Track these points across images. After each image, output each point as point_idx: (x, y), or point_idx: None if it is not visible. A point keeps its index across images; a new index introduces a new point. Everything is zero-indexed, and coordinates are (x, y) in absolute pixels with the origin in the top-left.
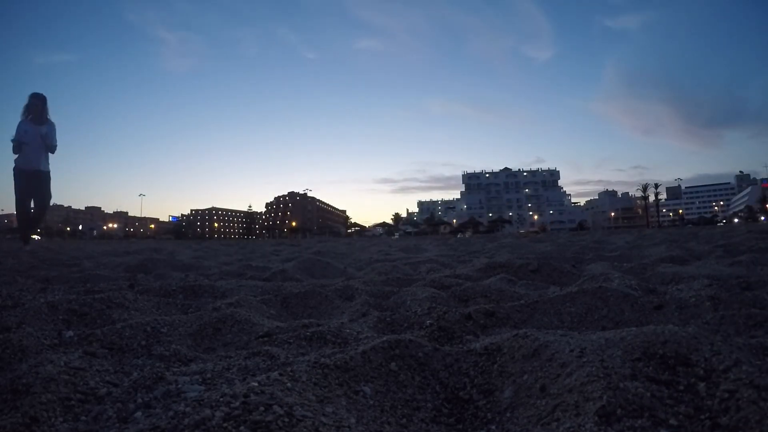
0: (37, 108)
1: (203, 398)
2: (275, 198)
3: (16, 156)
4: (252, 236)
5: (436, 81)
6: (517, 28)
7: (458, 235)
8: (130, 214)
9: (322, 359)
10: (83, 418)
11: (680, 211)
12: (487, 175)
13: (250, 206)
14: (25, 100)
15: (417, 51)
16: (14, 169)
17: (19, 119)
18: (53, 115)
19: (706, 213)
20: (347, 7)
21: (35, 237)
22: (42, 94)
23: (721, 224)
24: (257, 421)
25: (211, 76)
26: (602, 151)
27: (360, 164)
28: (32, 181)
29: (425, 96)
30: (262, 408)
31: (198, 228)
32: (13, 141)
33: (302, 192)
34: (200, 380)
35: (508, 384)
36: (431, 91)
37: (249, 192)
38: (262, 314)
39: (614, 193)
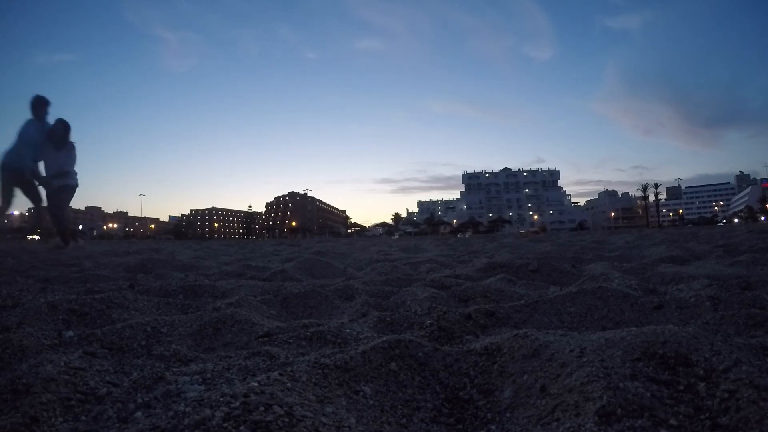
0: (58, 134)
1: (203, 398)
2: (275, 198)
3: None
4: (252, 236)
5: (437, 81)
6: (517, 28)
7: (458, 235)
8: (130, 214)
9: (322, 359)
10: (83, 418)
11: (680, 211)
12: (487, 175)
13: (250, 206)
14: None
15: (417, 51)
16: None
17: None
18: (57, 115)
19: (706, 213)
20: (348, 7)
21: (35, 237)
22: (67, 122)
23: (721, 224)
24: (257, 421)
25: (211, 75)
26: (602, 151)
27: (360, 164)
28: (55, 193)
29: (425, 96)
30: (262, 408)
31: (198, 228)
32: (30, 167)
33: (302, 192)
34: (200, 380)
35: (508, 384)
36: (431, 91)
37: (249, 192)
38: (262, 314)
39: (614, 193)
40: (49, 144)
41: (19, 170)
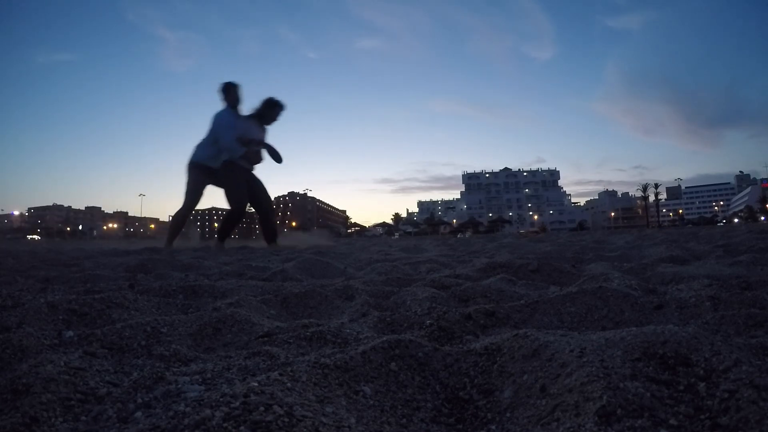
0: (273, 115)
1: (203, 398)
2: (275, 198)
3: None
4: (252, 236)
5: (437, 81)
6: (518, 28)
7: (458, 235)
8: (130, 214)
9: (322, 359)
10: (83, 418)
11: (680, 211)
12: (487, 175)
13: (250, 206)
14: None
15: (418, 51)
16: (230, 165)
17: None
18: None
19: (706, 213)
20: (349, 7)
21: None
22: (282, 104)
23: (721, 224)
24: (257, 421)
25: (212, 75)
26: (603, 151)
27: (360, 164)
28: (255, 180)
29: (426, 96)
30: (262, 408)
31: (198, 228)
32: (237, 139)
33: (302, 192)
34: (200, 380)
35: (508, 384)
36: (432, 91)
37: None
38: (262, 314)
39: (614, 193)
40: (254, 121)
41: (212, 168)
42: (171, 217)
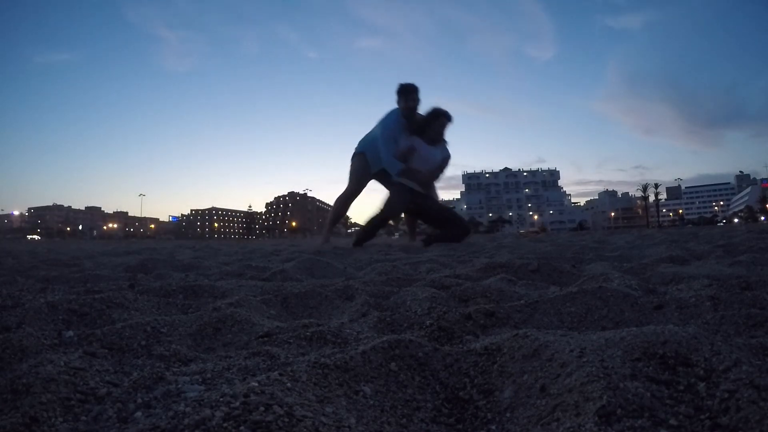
0: (438, 128)
1: (203, 398)
2: (275, 198)
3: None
4: (252, 236)
5: (437, 80)
6: (518, 28)
7: None
8: (130, 214)
9: (322, 359)
10: (83, 418)
11: (680, 211)
12: (487, 175)
13: (250, 206)
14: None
15: (418, 50)
16: (398, 183)
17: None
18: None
19: (706, 213)
20: (349, 6)
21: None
22: (449, 115)
23: (721, 224)
24: (257, 421)
25: (212, 75)
26: (603, 151)
27: None
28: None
29: (426, 95)
30: (262, 408)
31: (198, 228)
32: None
33: (302, 192)
34: (200, 380)
35: (508, 384)
36: (432, 91)
37: (249, 192)
38: (262, 314)
39: (614, 193)
40: (422, 136)
41: (374, 165)
42: (332, 204)
